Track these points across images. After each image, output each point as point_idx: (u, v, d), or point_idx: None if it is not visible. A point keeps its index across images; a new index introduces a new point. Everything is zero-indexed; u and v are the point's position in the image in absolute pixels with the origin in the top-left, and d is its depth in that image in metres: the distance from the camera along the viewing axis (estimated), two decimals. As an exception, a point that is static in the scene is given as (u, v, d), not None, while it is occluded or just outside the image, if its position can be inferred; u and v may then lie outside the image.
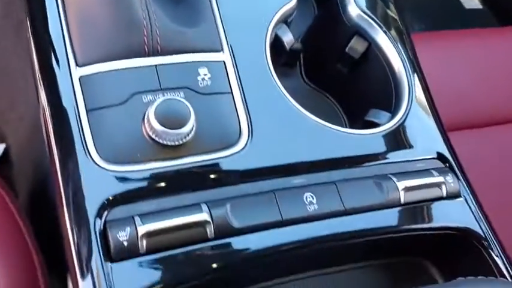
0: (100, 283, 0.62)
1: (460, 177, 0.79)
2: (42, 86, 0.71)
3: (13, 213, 0.92)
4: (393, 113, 0.81)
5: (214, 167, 0.70)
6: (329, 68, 0.90)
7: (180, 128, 0.67)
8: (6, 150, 1.23)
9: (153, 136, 0.67)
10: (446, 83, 1.15)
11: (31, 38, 0.73)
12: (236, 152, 0.71)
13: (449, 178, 0.77)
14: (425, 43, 1.16)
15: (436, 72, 1.15)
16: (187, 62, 0.72)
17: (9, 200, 0.92)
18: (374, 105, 0.84)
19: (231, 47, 0.75)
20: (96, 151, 0.67)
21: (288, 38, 0.82)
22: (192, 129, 0.68)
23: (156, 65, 0.71)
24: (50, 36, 0.71)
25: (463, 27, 1.31)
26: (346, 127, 0.84)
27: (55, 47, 0.71)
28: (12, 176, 1.21)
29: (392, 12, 0.89)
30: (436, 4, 1.90)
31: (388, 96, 0.84)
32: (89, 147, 0.67)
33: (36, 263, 0.88)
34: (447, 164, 0.79)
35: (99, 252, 0.63)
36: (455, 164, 0.79)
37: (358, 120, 0.86)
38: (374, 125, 0.81)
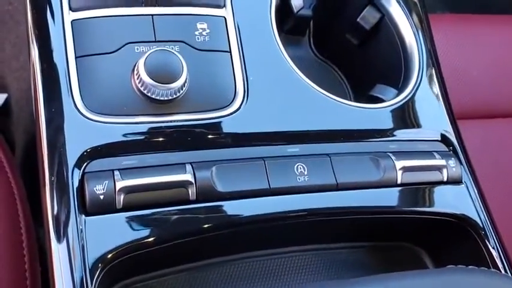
0: (72, 234, 0.59)
1: (464, 163, 0.75)
2: (33, 28, 0.68)
3: (5, 167, 0.90)
4: (400, 90, 0.77)
5: (204, 127, 0.66)
6: (339, 39, 0.85)
7: (170, 82, 0.64)
8: (7, 101, 1.21)
9: (142, 89, 0.64)
10: (458, 69, 1.10)
11: None
12: (229, 114, 0.67)
13: (452, 162, 0.73)
14: (440, 26, 1.11)
15: (449, 57, 1.11)
16: (186, 15, 0.69)
17: (3, 157, 0.91)
18: (381, 80, 0.80)
19: (233, 3, 0.71)
20: (82, 99, 0.64)
21: (296, 1, 0.78)
22: (184, 85, 0.65)
23: (152, 15, 0.68)
24: None
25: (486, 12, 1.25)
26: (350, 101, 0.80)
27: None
28: (12, 127, 1.20)
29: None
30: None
31: (396, 72, 0.79)
32: (74, 94, 0.64)
33: (20, 215, 0.87)
34: (451, 148, 0.75)
35: (74, 204, 0.60)
36: (460, 148, 0.75)
37: (363, 95, 0.81)
38: (379, 100, 0.77)
